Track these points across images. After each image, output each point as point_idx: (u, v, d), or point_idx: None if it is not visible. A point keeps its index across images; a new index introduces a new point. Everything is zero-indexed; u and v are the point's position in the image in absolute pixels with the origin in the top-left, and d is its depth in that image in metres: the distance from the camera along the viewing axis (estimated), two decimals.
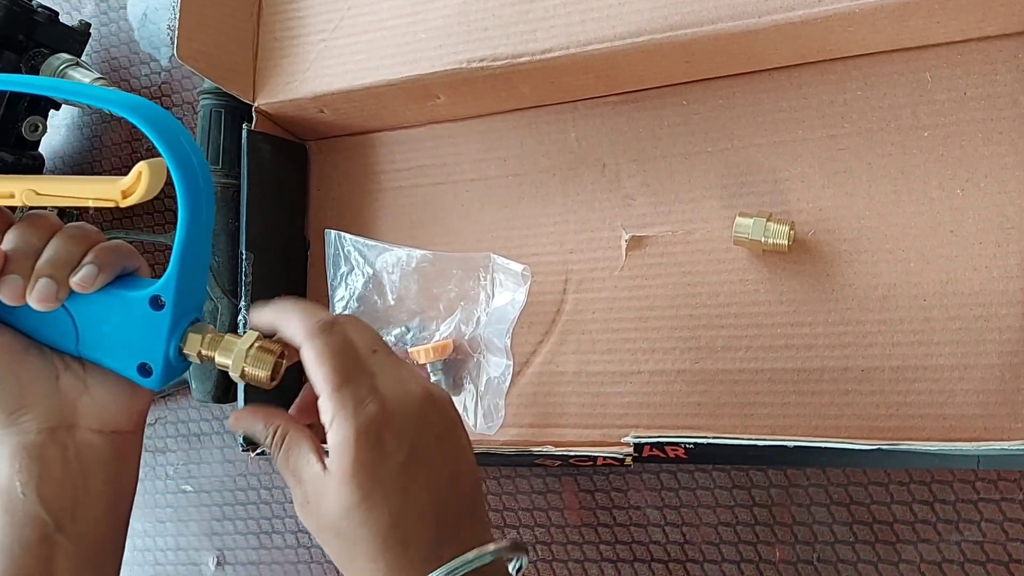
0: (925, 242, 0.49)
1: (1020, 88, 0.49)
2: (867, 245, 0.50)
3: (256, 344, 0.39)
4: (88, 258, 0.39)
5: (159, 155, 0.37)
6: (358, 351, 0.38)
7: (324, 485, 0.37)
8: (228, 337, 0.40)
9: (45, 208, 0.44)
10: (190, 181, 0.37)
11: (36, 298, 0.38)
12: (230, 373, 0.39)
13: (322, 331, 0.38)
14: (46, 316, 0.39)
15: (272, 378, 0.39)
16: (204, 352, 0.40)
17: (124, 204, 0.38)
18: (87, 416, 0.41)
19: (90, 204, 0.38)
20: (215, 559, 0.66)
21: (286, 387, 0.42)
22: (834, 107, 0.52)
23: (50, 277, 0.38)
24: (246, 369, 0.39)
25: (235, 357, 0.39)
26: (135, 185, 0.38)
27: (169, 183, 0.38)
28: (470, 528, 0.38)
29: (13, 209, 0.40)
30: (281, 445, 0.39)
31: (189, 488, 0.68)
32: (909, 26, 0.49)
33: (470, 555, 0.36)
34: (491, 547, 0.37)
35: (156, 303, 0.39)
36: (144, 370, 0.40)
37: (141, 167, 0.38)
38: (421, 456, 0.37)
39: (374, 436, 0.36)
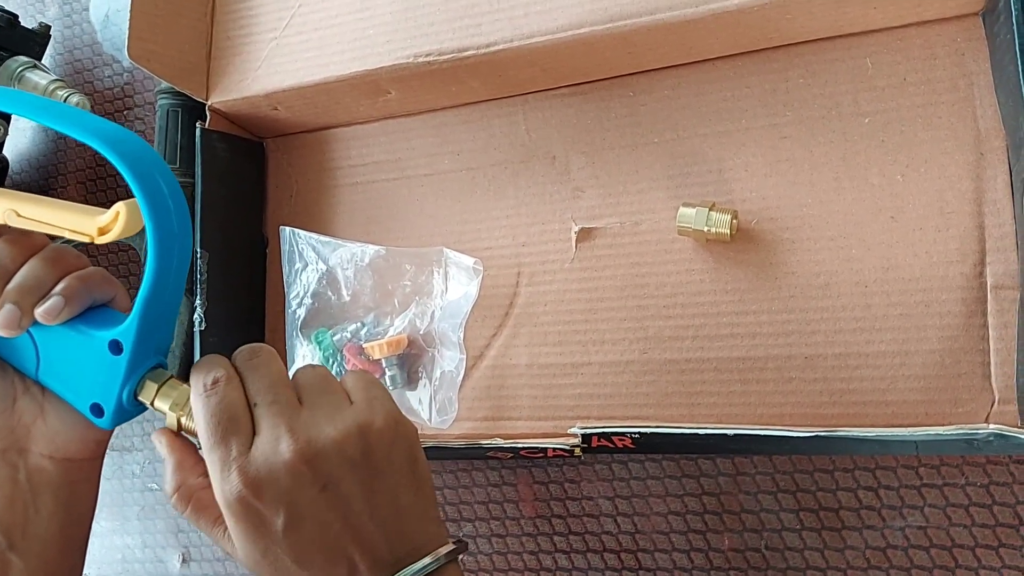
0: (866, 229, 0.49)
1: (959, 72, 0.49)
2: (809, 233, 0.50)
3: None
4: (58, 288, 0.38)
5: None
6: (236, 411, 0.36)
7: (228, 542, 0.37)
8: (181, 387, 0.39)
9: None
10: (163, 226, 0.36)
11: None
12: (167, 423, 0.39)
13: (203, 391, 0.36)
14: (10, 338, 0.39)
15: None
16: (156, 402, 0.39)
17: (99, 241, 0.37)
18: (40, 441, 0.41)
19: (66, 235, 0.37)
20: (180, 556, 0.67)
21: None
22: (776, 96, 0.52)
23: (15, 304, 0.37)
24: (182, 421, 0.38)
25: (170, 408, 0.38)
26: (112, 224, 0.37)
27: None
28: (404, 542, 0.37)
29: None
30: (187, 506, 0.39)
31: (155, 486, 0.69)
32: (847, 12, 0.49)
33: (444, 550, 0.36)
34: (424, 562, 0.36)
35: (115, 347, 0.38)
36: (97, 409, 0.39)
37: (120, 207, 0.37)
38: (304, 513, 0.35)
39: (243, 505, 0.35)
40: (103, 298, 0.41)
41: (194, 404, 0.37)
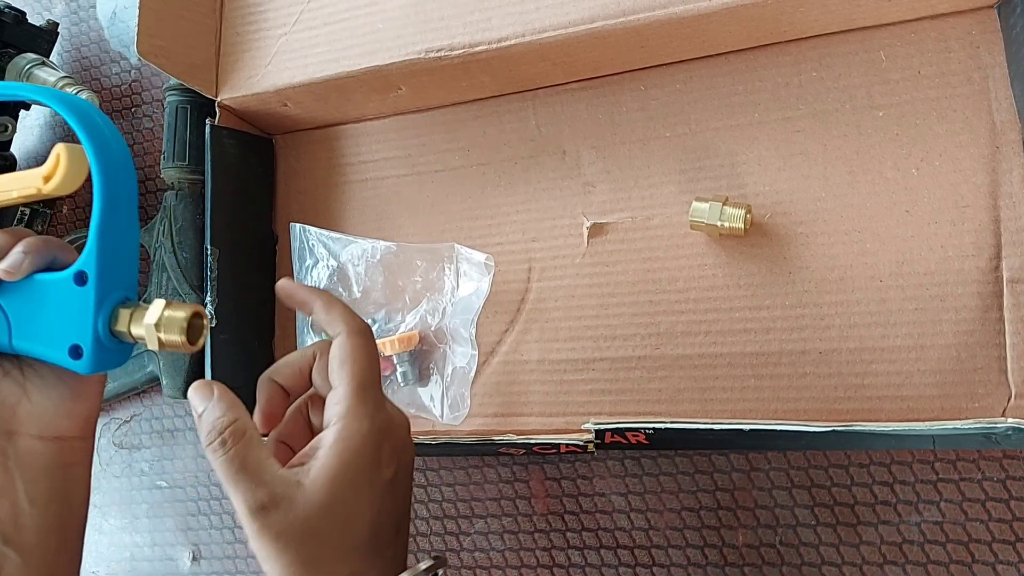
0: (881, 222, 0.49)
1: (974, 65, 0.48)
2: (823, 227, 0.50)
3: (165, 310, 0.38)
4: (17, 248, 0.38)
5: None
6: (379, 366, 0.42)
7: (299, 483, 0.37)
8: (152, 305, 0.38)
9: None
10: (104, 154, 0.37)
11: None
12: (147, 344, 0.38)
13: (365, 332, 0.41)
14: None
15: (191, 341, 0.38)
16: (132, 328, 0.38)
17: (47, 190, 0.37)
18: (27, 422, 0.40)
19: (15, 195, 0.37)
20: (190, 554, 0.67)
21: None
22: (789, 89, 0.52)
23: None
24: (162, 337, 0.38)
25: (147, 325, 0.38)
26: (54, 169, 0.37)
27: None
28: (403, 549, 0.41)
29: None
30: (240, 440, 0.38)
31: (163, 484, 0.69)
32: (860, 6, 0.48)
33: (423, 565, 0.40)
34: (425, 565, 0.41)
35: (80, 278, 0.38)
36: (76, 352, 0.38)
37: (59, 148, 0.37)
38: (402, 477, 0.40)
39: (377, 445, 0.38)
40: (63, 260, 0.40)
41: (356, 337, 0.40)
